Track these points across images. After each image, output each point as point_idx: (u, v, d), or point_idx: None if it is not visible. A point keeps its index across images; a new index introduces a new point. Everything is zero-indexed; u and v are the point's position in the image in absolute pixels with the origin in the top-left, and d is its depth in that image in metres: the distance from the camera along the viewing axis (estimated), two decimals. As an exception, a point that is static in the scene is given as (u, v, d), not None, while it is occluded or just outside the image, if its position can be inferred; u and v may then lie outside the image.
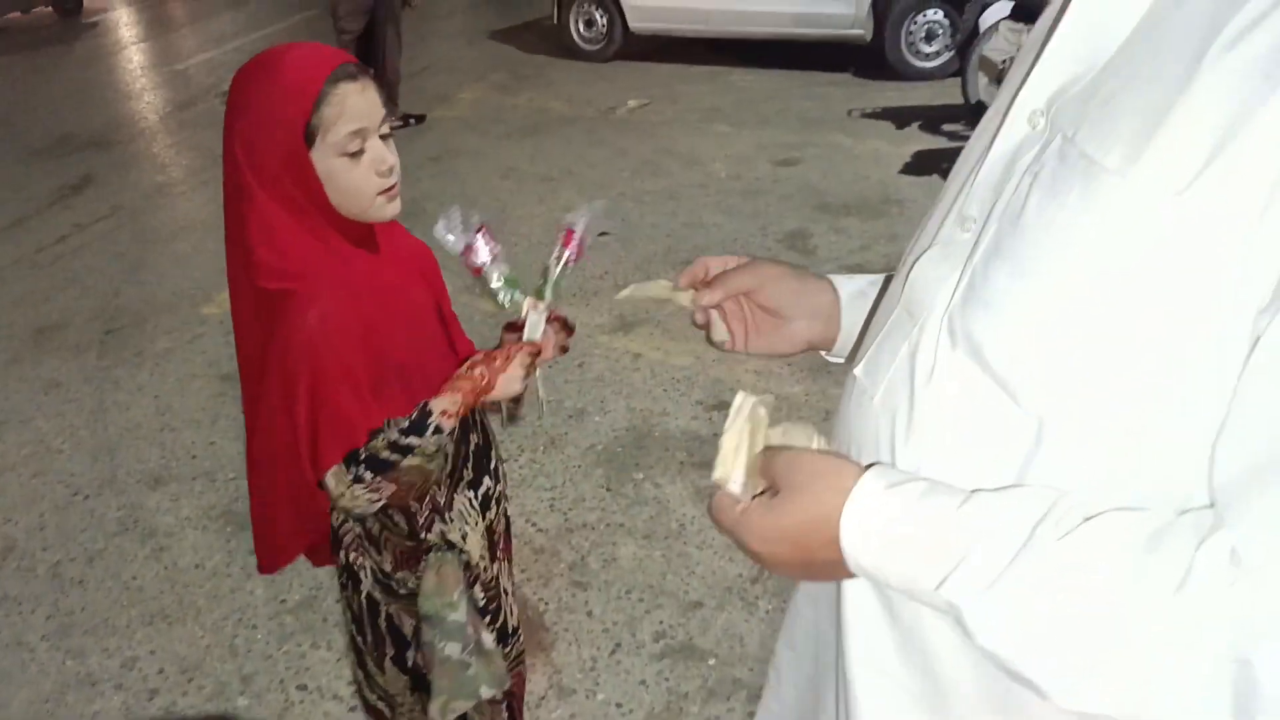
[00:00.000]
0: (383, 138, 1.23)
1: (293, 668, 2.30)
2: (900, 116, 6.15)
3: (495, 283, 1.26)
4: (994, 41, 5.36)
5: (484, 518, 1.48)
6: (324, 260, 1.23)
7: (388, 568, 1.42)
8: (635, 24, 7.90)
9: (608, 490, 2.85)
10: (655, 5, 7.72)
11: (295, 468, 1.24)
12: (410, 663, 1.48)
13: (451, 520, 1.42)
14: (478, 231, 1.24)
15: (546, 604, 2.43)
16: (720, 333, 0.95)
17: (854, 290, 0.92)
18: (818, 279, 0.93)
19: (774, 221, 4.70)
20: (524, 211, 5.03)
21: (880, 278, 0.92)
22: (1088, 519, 0.57)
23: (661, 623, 2.35)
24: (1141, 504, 0.58)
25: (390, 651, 1.48)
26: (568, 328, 1.38)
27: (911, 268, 0.73)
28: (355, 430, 1.23)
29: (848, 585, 0.76)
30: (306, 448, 1.22)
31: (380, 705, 1.53)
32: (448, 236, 1.23)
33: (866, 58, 7.21)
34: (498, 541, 1.54)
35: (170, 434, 3.30)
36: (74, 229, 5.21)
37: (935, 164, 5.29)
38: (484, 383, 1.27)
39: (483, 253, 1.24)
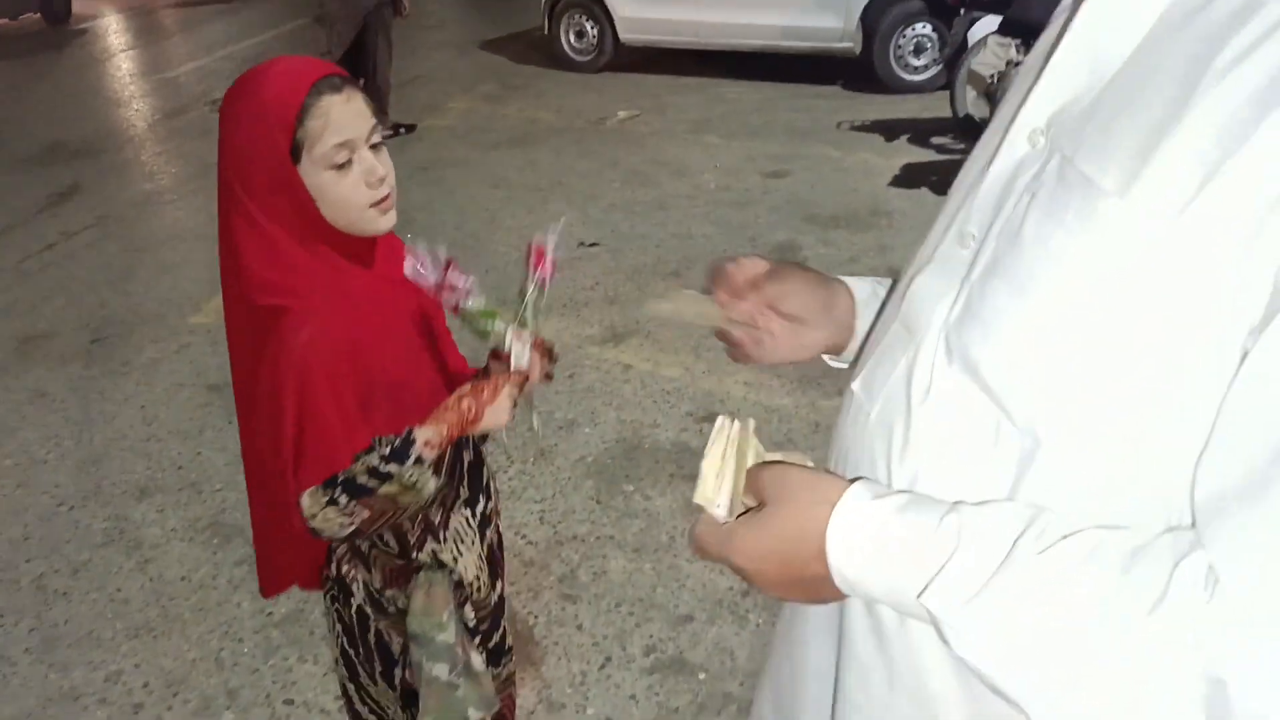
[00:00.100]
0: (374, 148, 1.21)
1: (279, 682, 2.28)
2: (889, 129, 6.18)
3: (477, 325, 1.24)
4: (982, 56, 5.40)
5: (482, 537, 1.46)
6: (317, 276, 1.21)
7: (377, 584, 1.41)
8: (625, 35, 7.93)
9: (598, 502, 2.84)
10: (645, 17, 7.76)
11: (281, 487, 1.23)
12: (398, 680, 1.47)
13: (445, 539, 1.41)
14: (447, 268, 1.22)
15: (536, 617, 2.42)
16: (760, 353, 0.91)
17: (867, 294, 0.91)
18: (837, 284, 0.92)
19: (763, 233, 4.71)
20: (514, 222, 5.03)
21: (889, 281, 0.91)
22: (1066, 536, 0.57)
23: (652, 636, 2.34)
24: (1134, 521, 0.58)
25: (379, 667, 1.47)
26: (550, 355, 1.36)
27: (910, 283, 0.73)
28: (339, 452, 1.21)
29: (845, 629, 0.76)
30: (289, 466, 1.20)
31: (371, 719, 1.52)
32: (421, 275, 1.21)
33: (855, 70, 7.25)
34: (498, 560, 1.53)
35: (157, 444, 3.28)
36: (61, 237, 5.18)
37: (924, 177, 5.31)
38: (470, 415, 1.26)
39: (458, 290, 1.22)
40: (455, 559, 1.42)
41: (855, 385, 0.77)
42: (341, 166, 1.18)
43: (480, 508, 1.47)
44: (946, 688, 0.70)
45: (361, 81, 1.31)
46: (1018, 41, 5.07)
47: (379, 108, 1.23)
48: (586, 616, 2.42)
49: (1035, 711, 0.57)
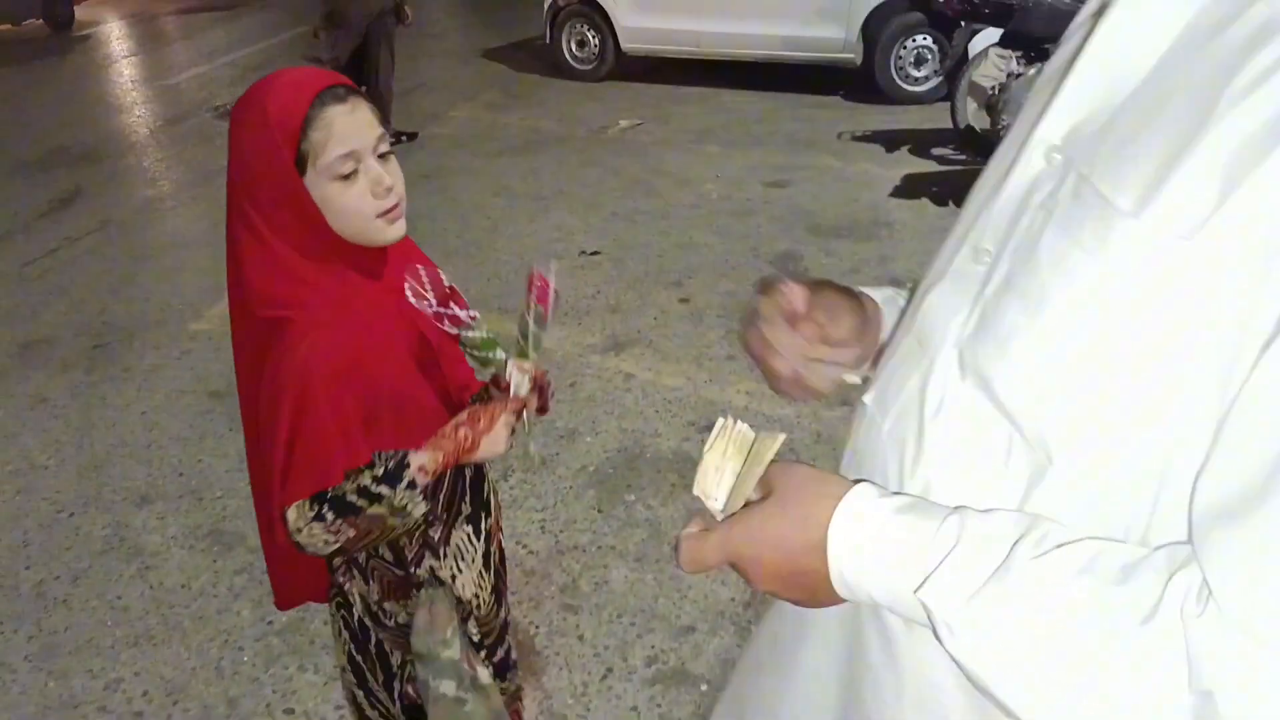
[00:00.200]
0: (383, 157, 1.21)
1: (279, 691, 2.27)
2: (890, 140, 6.20)
3: (477, 354, 1.24)
4: (983, 68, 5.41)
5: (484, 553, 1.45)
6: (320, 289, 1.20)
7: (375, 596, 1.40)
8: (627, 45, 7.95)
9: (599, 512, 2.84)
10: (647, 27, 7.78)
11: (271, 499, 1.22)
12: (397, 693, 1.46)
13: (445, 556, 1.40)
14: (448, 299, 1.21)
15: (537, 627, 2.42)
16: (815, 383, 0.84)
17: (892, 307, 0.90)
18: (866, 299, 0.89)
19: (765, 242, 4.72)
20: (515, 230, 5.04)
21: (907, 291, 0.90)
22: (1064, 544, 0.58)
23: (654, 647, 2.34)
24: (1143, 539, 0.59)
25: (380, 677, 1.46)
26: (547, 390, 1.34)
27: (922, 300, 0.73)
28: (331, 468, 1.20)
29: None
30: (278, 478, 1.19)
31: None
32: (420, 302, 1.20)
33: (856, 81, 7.27)
34: (500, 576, 1.52)
35: (157, 451, 3.27)
36: (63, 243, 5.18)
37: (925, 187, 5.33)
38: (467, 444, 1.25)
39: (459, 320, 1.21)
40: (454, 576, 1.41)
41: (868, 398, 0.77)
42: (347, 177, 1.17)
43: (482, 524, 1.46)
44: (956, 704, 0.70)
45: (364, 90, 1.31)
46: (1018, 54, 5.09)
47: (381, 116, 1.23)
48: (588, 627, 2.41)
49: (1024, 715, 0.58)
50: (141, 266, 4.84)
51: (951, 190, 5.24)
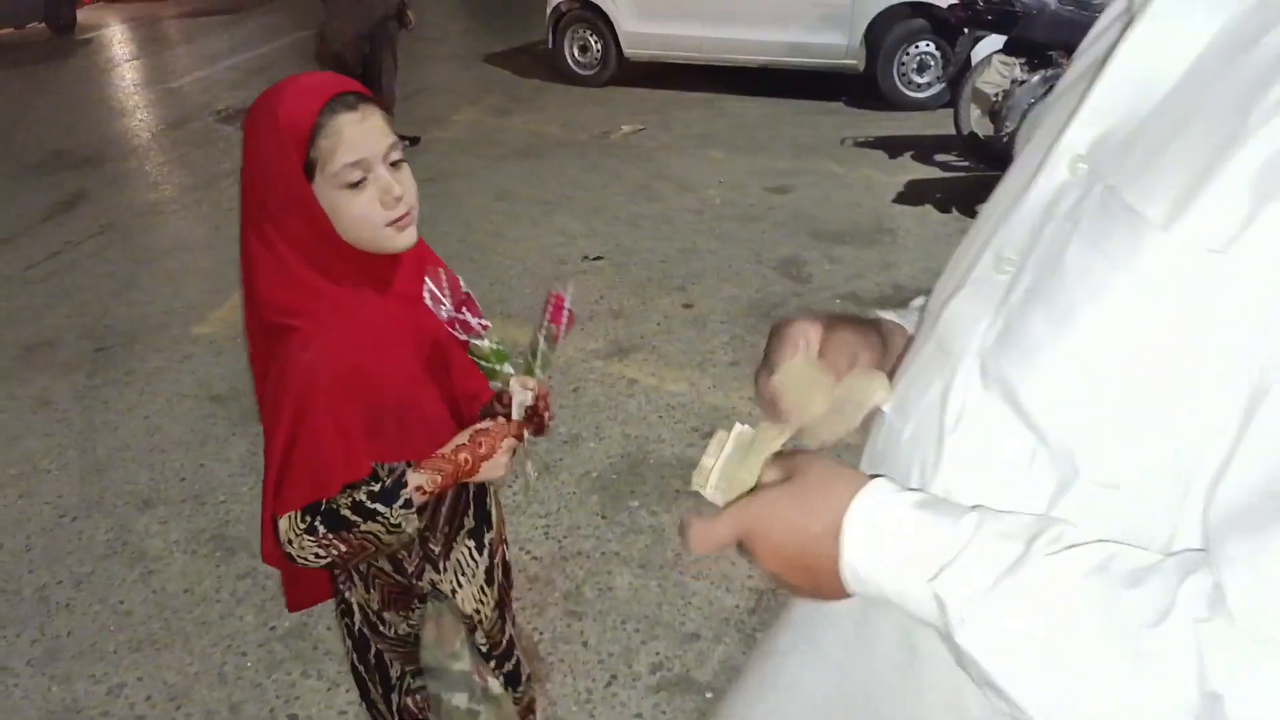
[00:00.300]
0: (394, 165, 1.19)
1: (283, 696, 2.27)
2: (893, 146, 6.20)
3: (485, 363, 1.23)
4: (987, 75, 5.41)
5: (487, 568, 1.44)
6: (326, 297, 1.19)
7: (375, 606, 1.39)
8: (630, 50, 7.96)
9: (603, 518, 2.83)
10: (650, 32, 7.79)
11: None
12: (395, 705, 1.45)
13: (445, 570, 1.38)
14: (463, 305, 1.20)
15: (541, 633, 2.41)
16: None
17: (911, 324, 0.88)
18: (887, 326, 0.88)
19: (768, 248, 4.72)
20: (518, 234, 5.04)
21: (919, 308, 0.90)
22: (1079, 544, 0.58)
23: (658, 654, 2.33)
24: (1166, 548, 0.59)
25: (379, 689, 1.45)
26: (545, 413, 1.32)
27: (943, 307, 0.73)
28: (327, 480, 1.19)
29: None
30: (272, 486, 1.19)
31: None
32: (436, 306, 1.20)
33: (859, 87, 7.28)
34: (504, 589, 1.51)
35: (160, 455, 3.27)
36: (65, 246, 5.18)
37: (928, 193, 5.33)
38: (466, 468, 1.24)
39: (470, 327, 1.21)
40: (454, 590, 1.40)
41: (886, 407, 0.77)
42: (356, 185, 1.15)
43: (484, 538, 1.45)
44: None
45: (374, 98, 1.31)
46: (1022, 61, 5.09)
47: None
48: (592, 633, 2.41)
49: (1031, 710, 0.58)
50: (144, 270, 4.84)
51: (954, 196, 5.24)
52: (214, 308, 4.24)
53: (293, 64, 8.97)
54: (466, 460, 1.24)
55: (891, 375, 0.80)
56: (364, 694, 1.47)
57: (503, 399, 1.29)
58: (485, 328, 1.21)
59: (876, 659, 0.79)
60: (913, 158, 5.97)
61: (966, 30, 5.57)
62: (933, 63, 6.96)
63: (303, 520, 1.18)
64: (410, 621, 1.40)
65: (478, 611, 1.44)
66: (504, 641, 1.52)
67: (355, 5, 5.76)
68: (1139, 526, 0.60)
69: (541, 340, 1.25)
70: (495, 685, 1.42)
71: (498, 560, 1.49)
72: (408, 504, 1.20)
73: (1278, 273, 0.52)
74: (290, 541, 1.18)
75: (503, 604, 1.51)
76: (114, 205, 5.82)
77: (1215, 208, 0.54)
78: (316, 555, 1.19)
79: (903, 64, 7.01)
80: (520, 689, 1.57)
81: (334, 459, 1.18)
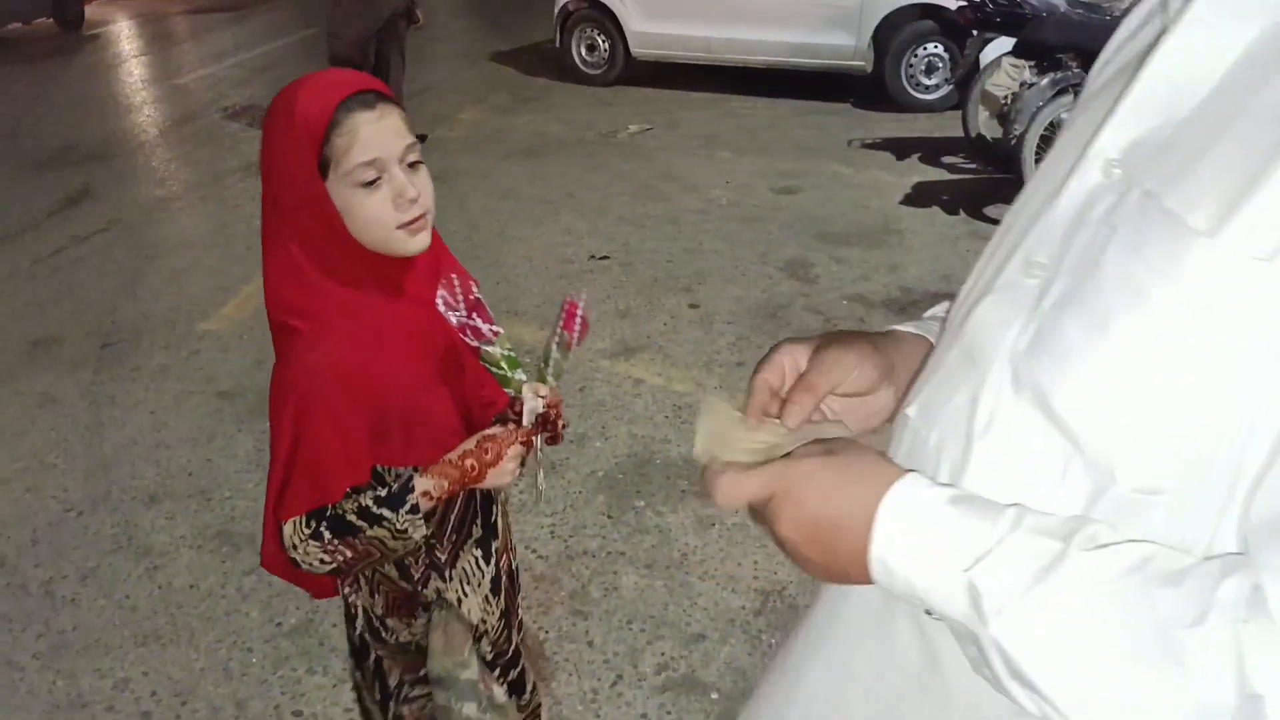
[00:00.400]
0: (412, 166, 1.19)
1: (288, 693, 2.27)
2: (900, 147, 6.19)
3: (497, 369, 1.21)
4: (996, 77, 5.40)
5: (495, 578, 1.43)
6: (334, 299, 1.18)
7: (379, 611, 1.38)
8: (637, 50, 7.95)
9: (609, 517, 2.83)
10: (657, 32, 7.78)
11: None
12: (392, 714, 1.44)
13: (451, 578, 1.37)
14: (474, 310, 1.19)
15: (546, 633, 2.41)
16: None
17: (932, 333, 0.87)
18: (897, 338, 0.86)
19: (774, 249, 4.71)
20: (523, 233, 5.03)
21: (938, 318, 0.88)
22: (1117, 543, 0.57)
23: (663, 654, 2.33)
24: (1205, 554, 0.58)
25: (377, 696, 1.44)
26: (558, 422, 1.31)
27: (969, 313, 0.72)
28: (331, 485, 1.18)
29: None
30: (276, 491, 1.18)
31: None
32: (449, 310, 1.18)
33: (866, 88, 7.27)
34: (511, 597, 1.50)
35: (166, 451, 3.27)
36: (72, 241, 5.19)
37: (935, 195, 5.32)
38: (474, 474, 1.23)
39: (481, 333, 1.19)
40: (460, 599, 1.39)
41: (910, 410, 0.76)
42: (370, 184, 1.14)
43: (491, 547, 1.44)
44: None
45: (391, 98, 1.30)
46: (1031, 63, 5.08)
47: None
48: (597, 633, 2.40)
49: (1064, 706, 0.57)
50: (150, 266, 4.84)
51: (962, 198, 5.23)
52: (220, 304, 4.24)
53: (298, 61, 8.98)
54: (473, 466, 1.22)
55: (912, 383, 0.79)
56: (360, 700, 1.47)
57: (515, 406, 1.28)
58: (496, 334, 1.19)
59: (897, 671, 0.78)
60: (920, 159, 5.96)
61: (975, 32, 5.56)
62: (941, 64, 6.94)
63: (307, 525, 1.17)
64: (412, 629, 1.39)
65: (483, 621, 1.43)
66: (510, 650, 1.51)
67: (364, 4, 5.76)
68: (1177, 532, 0.59)
69: (555, 347, 1.24)
70: (500, 694, 1.41)
71: (504, 569, 1.48)
72: (414, 509, 1.19)
73: None
74: (295, 547, 1.17)
75: (509, 612, 1.50)
76: (120, 201, 5.82)
77: (1264, 215, 0.54)
78: (322, 561, 1.18)
79: (911, 65, 6.99)
80: (525, 696, 1.56)
81: (338, 464, 1.17)
